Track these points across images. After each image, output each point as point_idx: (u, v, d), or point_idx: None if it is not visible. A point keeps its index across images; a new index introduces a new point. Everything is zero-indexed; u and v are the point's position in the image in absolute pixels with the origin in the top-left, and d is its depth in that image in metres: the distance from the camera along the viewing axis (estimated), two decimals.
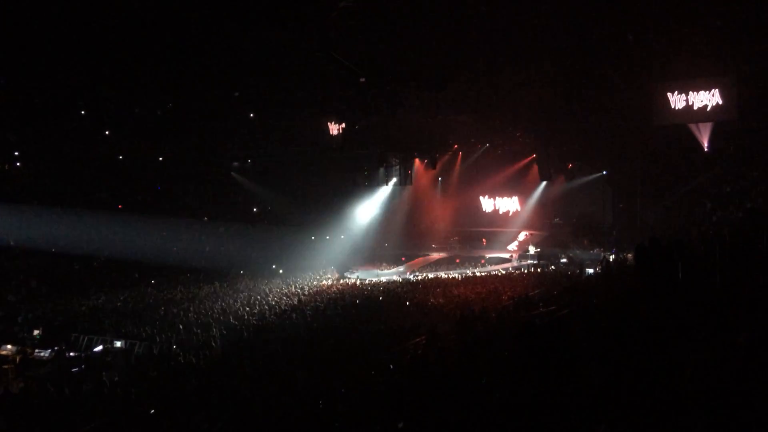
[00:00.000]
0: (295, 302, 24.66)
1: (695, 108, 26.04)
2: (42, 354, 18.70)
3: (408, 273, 35.36)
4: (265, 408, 11.21)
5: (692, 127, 28.03)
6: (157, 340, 19.01)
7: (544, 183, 38.57)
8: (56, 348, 18.94)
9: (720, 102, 25.48)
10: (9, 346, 18.99)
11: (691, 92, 26.03)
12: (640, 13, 20.20)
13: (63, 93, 26.06)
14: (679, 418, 3.55)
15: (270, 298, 25.70)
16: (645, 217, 33.71)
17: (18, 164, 33.86)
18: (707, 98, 25.73)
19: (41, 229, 29.93)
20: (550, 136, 33.88)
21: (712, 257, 7.75)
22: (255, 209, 43.57)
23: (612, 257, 27.90)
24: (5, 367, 17.23)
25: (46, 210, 30.95)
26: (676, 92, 26.31)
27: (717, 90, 25.52)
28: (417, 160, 41.52)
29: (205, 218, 39.24)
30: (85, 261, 31.03)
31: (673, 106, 26.48)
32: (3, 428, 12.26)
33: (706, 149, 28.59)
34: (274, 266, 35.24)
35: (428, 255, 40.70)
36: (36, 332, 20.62)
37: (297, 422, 8.83)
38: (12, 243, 29.67)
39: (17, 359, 17.98)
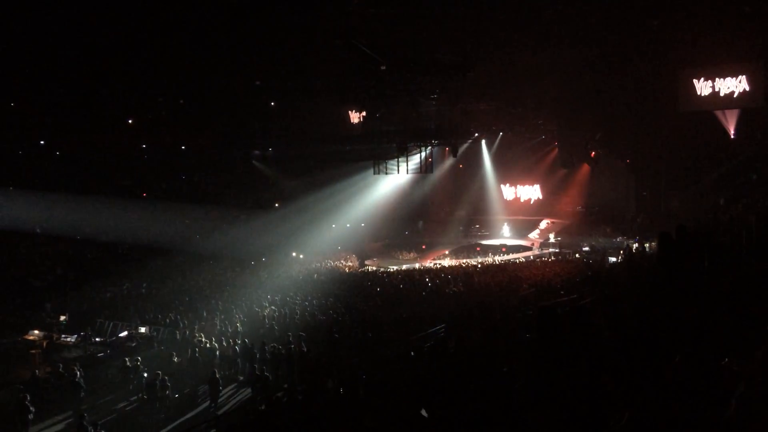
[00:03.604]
0: (317, 289, 24.78)
1: (722, 94, 25.60)
2: (68, 339, 19.07)
3: (428, 261, 35.34)
4: (287, 392, 11.33)
5: (718, 113, 27.57)
6: (181, 326, 19.25)
7: (566, 171, 38.26)
8: (82, 333, 19.30)
9: (747, 88, 25.00)
10: (36, 332, 19.38)
11: (717, 78, 25.58)
12: None
13: (87, 83, 26.32)
14: (702, 410, 3.51)
15: (290, 285, 25.85)
16: (669, 204, 33.29)
17: (44, 153, 34.35)
18: (734, 84, 25.27)
19: (67, 217, 30.38)
20: (573, 123, 33.52)
21: (738, 245, 7.64)
22: (276, 197, 43.79)
23: (635, 245, 27.61)
24: (33, 351, 17.56)
25: (72, 198, 31.41)
26: (702, 78, 25.88)
27: (744, 76, 25.04)
28: (438, 148, 41.35)
29: (232, 207, 39.40)
30: (110, 248, 31.46)
31: (699, 93, 26.05)
32: (31, 411, 12.53)
33: (732, 136, 28.11)
34: (294, 253, 35.44)
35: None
36: (62, 318, 21.00)
37: (318, 408, 8.89)
38: (38, 231, 30.18)
39: (44, 344, 18.34)
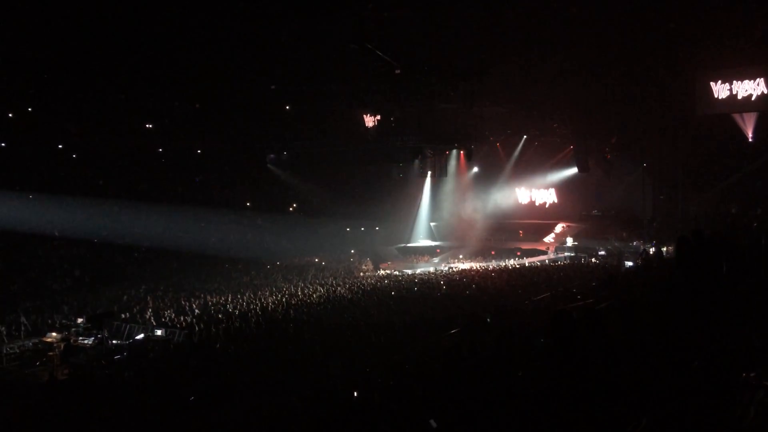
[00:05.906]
0: (330, 293, 24.82)
1: (739, 97, 25.33)
2: (85, 341, 19.20)
3: (443, 265, 35.26)
4: (301, 397, 11.33)
5: (736, 116, 27.28)
6: (196, 329, 19.34)
7: (582, 174, 37.98)
8: (99, 336, 19.43)
9: (765, 91, 24.72)
10: (54, 334, 19.56)
11: (735, 81, 25.32)
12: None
13: (104, 88, 26.59)
14: (721, 416, 3.48)
15: (305, 289, 25.91)
16: (686, 208, 32.96)
17: (61, 157, 34.69)
18: (752, 87, 25.00)
19: (84, 220, 30.67)
20: (589, 126, 33.32)
21: (757, 250, 7.54)
22: (291, 201, 43.93)
23: (652, 250, 27.34)
24: (50, 354, 17.72)
25: (90, 201, 31.70)
26: (719, 81, 25.62)
27: (762, 79, 24.77)
28: (453, 152, 41.29)
29: (247, 210, 39.55)
30: (127, 251, 31.71)
31: (716, 96, 25.80)
32: (49, 413, 12.66)
33: (750, 139, 27.80)
34: (309, 257, 35.56)
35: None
36: (80, 320, 21.16)
37: (332, 411, 8.90)
38: (56, 233, 30.48)
39: (61, 347, 18.48)
